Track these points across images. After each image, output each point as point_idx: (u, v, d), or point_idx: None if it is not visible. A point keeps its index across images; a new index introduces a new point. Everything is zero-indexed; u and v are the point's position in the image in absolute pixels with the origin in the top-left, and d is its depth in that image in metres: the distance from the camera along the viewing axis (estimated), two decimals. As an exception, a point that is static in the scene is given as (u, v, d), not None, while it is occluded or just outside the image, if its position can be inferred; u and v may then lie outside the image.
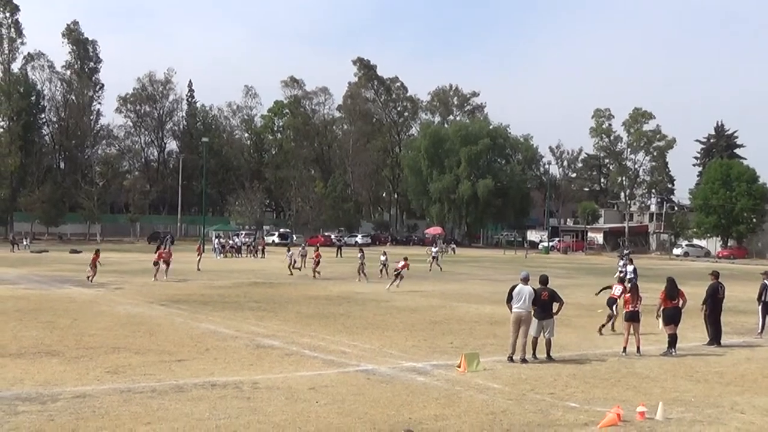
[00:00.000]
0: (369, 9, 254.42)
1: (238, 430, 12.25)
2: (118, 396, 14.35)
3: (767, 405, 14.98)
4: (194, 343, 20.77)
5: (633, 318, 20.40)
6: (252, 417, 13.04)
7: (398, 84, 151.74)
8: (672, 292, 21.13)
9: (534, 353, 19.29)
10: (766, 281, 25.35)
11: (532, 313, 19.37)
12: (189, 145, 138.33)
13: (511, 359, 18.99)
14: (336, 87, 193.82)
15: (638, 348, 20.37)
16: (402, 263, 40.99)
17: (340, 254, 76.22)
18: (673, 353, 20.48)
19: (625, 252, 65.71)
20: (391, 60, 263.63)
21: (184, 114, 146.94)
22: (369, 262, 47.65)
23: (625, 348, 20.40)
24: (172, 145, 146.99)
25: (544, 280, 20.14)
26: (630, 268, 36.87)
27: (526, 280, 19.59)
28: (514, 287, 19.56)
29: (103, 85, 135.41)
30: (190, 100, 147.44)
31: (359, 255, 47.69)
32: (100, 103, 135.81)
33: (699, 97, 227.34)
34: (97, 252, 43.92)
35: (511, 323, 19.50)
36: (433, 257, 57.39)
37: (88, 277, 40.81)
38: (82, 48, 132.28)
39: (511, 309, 19.47)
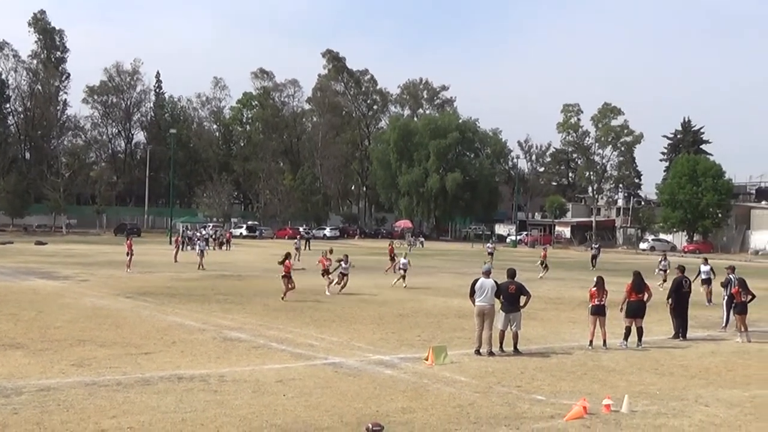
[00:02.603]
0: (340, 1, 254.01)
1: (204, 424, 12.20)
2: (84, 389, 14.24)
3: (731, 398, 15.12)
4: (160, 336, 20.67)
5: (599, 312, 20.54)
6: (219, 410, 12.99)
7: (368, 77, 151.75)
8: (638, 285, 21.30)
9: (501, 346, 19.34)
10: (730, 276, 25.63)
11: (498, 306, 19.46)
12: (157, 137, 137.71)
13: (478, 352, 19.04)
14: (306, 79, 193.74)
15: (604, 341, 20.53)
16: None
17: (308, 247, 76.06)
18: (625, 345, 20.72)
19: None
20: (361, 53, 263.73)
21: (151, 105, 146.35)
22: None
23: (591, 341, 20.55)
24: (139, 136, 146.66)
25: (511, 274, 20.20)
26: (706, 268, 35.91)
27: (488, 274, 19.67)
28: (476, 281, 19.63)
29: (69, 74, 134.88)
30: (158, 90, 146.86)
31: (343, 263, 34.89)
32: (66, 93, 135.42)
33: (667, 94, 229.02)
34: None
35: (475, 317, 19.57)
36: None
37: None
38: (49, 37, 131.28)
39: (474, 303, 19.54)
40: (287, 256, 31.51)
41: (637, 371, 17.68)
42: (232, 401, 13.62)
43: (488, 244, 66.59)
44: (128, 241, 46.32)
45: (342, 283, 33.83)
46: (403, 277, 38.08)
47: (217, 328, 22.46)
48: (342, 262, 34.38)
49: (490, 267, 20.19)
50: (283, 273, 30.97)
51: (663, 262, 42.16)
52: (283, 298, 29.86)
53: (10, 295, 30.06)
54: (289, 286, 30.78)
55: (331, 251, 35.90)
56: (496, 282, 19.46)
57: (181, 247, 61.04)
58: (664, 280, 38.53)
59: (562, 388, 15.60)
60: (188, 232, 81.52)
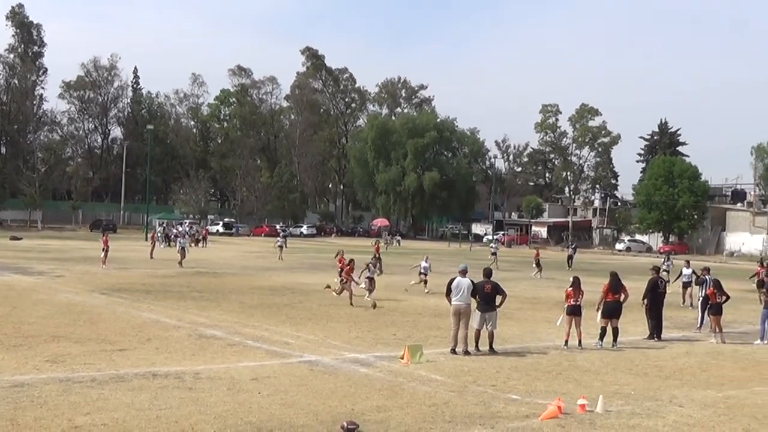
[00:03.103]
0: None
1: (179, 421, 12.16)
2: (58, 385, 14.17)
3: (705, 398, 15.21)
4: (135, 333, 20.59)
5: (575, 312, 20.63)
6: (193, 407, 12.96)
7: (347, 75, 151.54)
8: (615, 286, 21.41)
9: (477, 345, 19.39)
10: (706, 276, 25.78)
11: (474, 305, 19.50)
12: (134, 133, 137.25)
13: (453, 351, 19.07)
14: (284, 77, 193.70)
15: (580, 341, 20.65)
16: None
17: (285, 245, 75.87)
18: (600, 346, 20.86)
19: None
20: (340, 51, 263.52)
21: (129, 101, 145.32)
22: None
23: (566, 341, 20.62)
24: (116, 132, 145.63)
25: (487, 273, 20.24)
26: (688, 271, 35.65)
27: (464, 273, 19.70)
28: (452, 280, 19.68)
29: (46, 69, 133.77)
30: (135, 86, 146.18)
31: (371, 266, 33.78)
32: (43, 88, 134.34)
33: (645, 95, 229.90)
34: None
35: (451, 316, 19.63)
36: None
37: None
38: (27, 31, 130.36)
39: (450, 302, 19.58)
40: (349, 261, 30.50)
41: (611, 371, 17.77)
42: (206, 399, 13.59)
43: (492, 245, 66.12)
44: (104, 237, 46.26)
45: (371, 288, 31.36)
46: (425, 282, 35.80)
47: (192, 325, 22.40)
48: (370, 266, 33.02)
49: (466, 266, 20.19)
50: (343, 277, 29.96)
51: (666, 263, 41.74)
52: (351, 304, 28.65)
53: (-16, 290, 29.87)
54: (346, 289, 29.30)
55: (342, 253, 34.89)
56: (472, 281, 19.51)
57: (158, 243, 60.91)
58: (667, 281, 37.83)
59: (537, 387, 15.65)
60: (163, 228, 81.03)
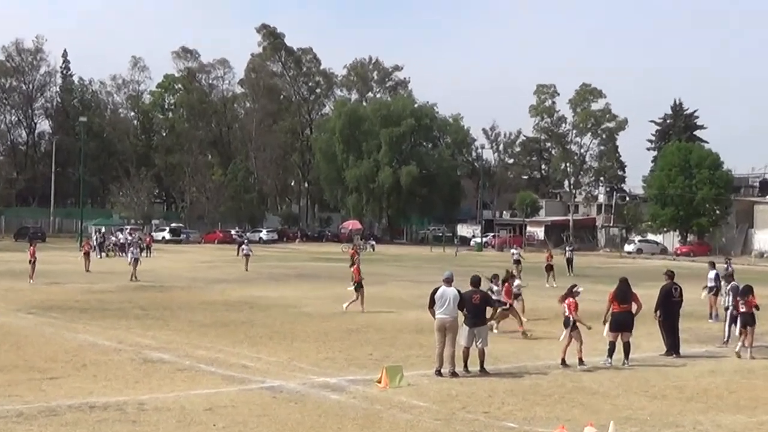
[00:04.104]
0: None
1: (120, 460, 12.10)
2: (-22, 421, 14.09)
3: (734, 424, 15.22)
4: (69, 358, 20.51)
5: (574, 325, 20.48)
6: (137, 444, 12.89)
7: (310, 56, 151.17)
8: (624, 294, 21.21)
9: (465, 365, 19.35)
10: (734, 282, 25.55)
11: (461, 319, 19.46)
12: (64, 126, 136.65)
13: (439, 373, 19.05)
14: (237, 59, 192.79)
15: (580, 359, 20.53)
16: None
17: (239, 252, 75.80)
18: (610, 363, 20.73)
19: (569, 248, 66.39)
20: (301, 29, 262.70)
21: (58, 89, 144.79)
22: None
23: (563, 360, 20.51)
24: (44, 125, 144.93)
25: (475, 282, 20.21)
26: (712, 274, 35.37)
27: (449, 281, 19.66)
28: (436, 290, 19.66)
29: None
30: (65, 72, 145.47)
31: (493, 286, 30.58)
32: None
33: (655, 73, 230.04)
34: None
35: (435, 331, 19.56)
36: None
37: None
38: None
39: (434, 315, 19.53)
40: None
41: (623, 393, 17.76)
42: (153, 433, 13.53)
43: (513, 250, 65.93)
44: (31, 248, 45.94)
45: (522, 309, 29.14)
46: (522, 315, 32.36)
47: (135, 347, 22.35)
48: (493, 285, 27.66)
49: (452, 274, 20.05)
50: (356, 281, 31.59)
51: (728, 267, 38.98)
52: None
53: None
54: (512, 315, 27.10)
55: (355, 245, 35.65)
56: (459, 291, 19.46)
57: (95, 252, 60.55)
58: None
59: (537, 413, 15.64)
60: (101, 235, 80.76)
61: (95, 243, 73.58)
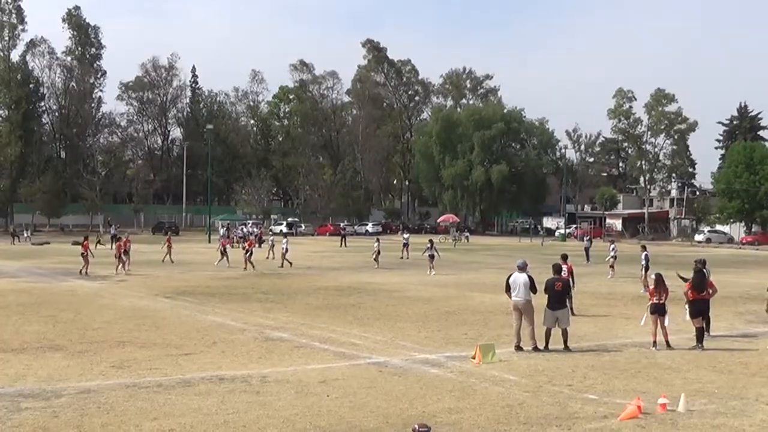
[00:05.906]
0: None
1: (247, 425, 12.28)
2: (124, 391, 14.40)
3: (793, 396, 14.91)
4: (201, 336, 20.83)
5: (657, 310, 20.01)
6: (261, 411, 13.08)
7: (409, 67, 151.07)
8: (700, 283, 20.70)
9: (546, 344, 19.27)
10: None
11: (534, 301, 19.48)
12: (193, 133, 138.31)
13: (518, 348, 19.04)
14: (345, 71, 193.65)
15: (667, 342, 19.87)
16: None
17: (345, 244, 76.12)
18: (701, 348, 19.97)
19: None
20: (402, 42, 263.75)
21: (188, 100, 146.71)
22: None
23: (654, 342, 19.84)
24: (176, 132, 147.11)
25: (557, 269, 20.13)
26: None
27: (522, 269, 19.65)
28: (510, 276, 19.67)
29: (105, 71, 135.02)
30: (194, 86, 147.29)
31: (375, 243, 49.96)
32: (101, 90, 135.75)
33: (722, 79, 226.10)
34: (86, 239, 44.34)
35: (511, 311, 19.73)
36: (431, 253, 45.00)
37: (81, 271, 40.94)
38: (84, 34, 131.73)
39: (510, 298, 19.69)
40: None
41: (693, 369, 17.49)
42: (274, 402, 13.70)
43: (585, 239, 64.97)
44: (119, 243, 46.45)
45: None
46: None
47: (258, 327, 22.60)
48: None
49: (524, 261, 19.98)
50: None
51: None
52: None
53: (48, 296, 30.42)
54: None
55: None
56: (530, 277, 19.41)
57: (235, 245, 61.54)
58: None
59: (616, 386, 15.51)
60: (227, 229, 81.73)
61: (236, 236, 74.32)
